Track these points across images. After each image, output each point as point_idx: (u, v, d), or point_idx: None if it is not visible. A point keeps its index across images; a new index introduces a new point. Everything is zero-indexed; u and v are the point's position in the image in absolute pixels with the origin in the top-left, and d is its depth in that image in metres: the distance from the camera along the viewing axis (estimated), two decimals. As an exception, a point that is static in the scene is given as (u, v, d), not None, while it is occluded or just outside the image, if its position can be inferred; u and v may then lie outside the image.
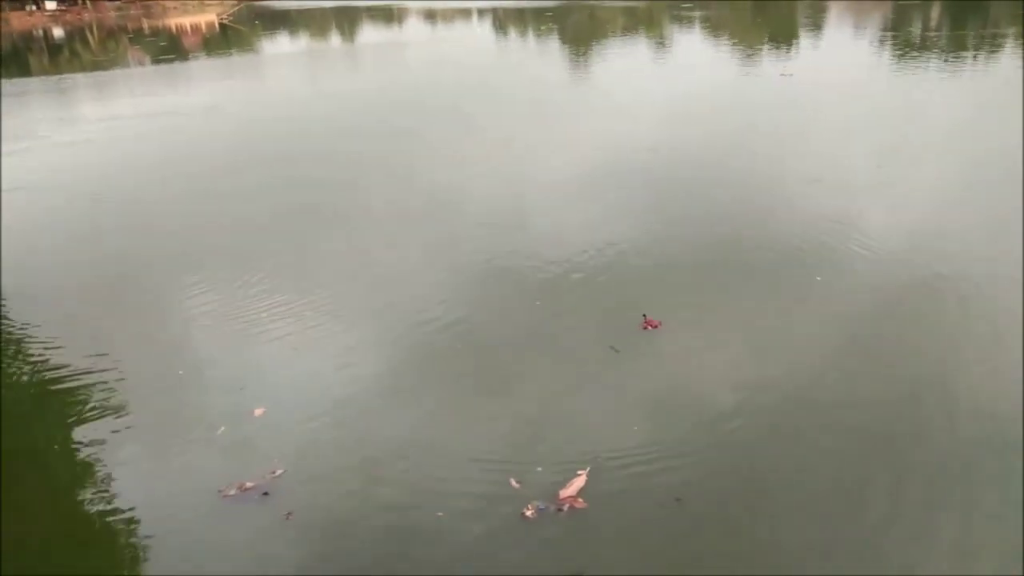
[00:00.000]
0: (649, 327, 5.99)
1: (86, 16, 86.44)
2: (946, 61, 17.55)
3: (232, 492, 4.46)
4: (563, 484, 4.30)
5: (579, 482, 4.31)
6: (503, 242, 7.95)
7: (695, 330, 5.97)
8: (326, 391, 5.45)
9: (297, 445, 4.87)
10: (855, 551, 3.78)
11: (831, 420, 4.77)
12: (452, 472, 4.52)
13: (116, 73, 30.16)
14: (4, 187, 11.12)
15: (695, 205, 8.78)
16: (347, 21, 55.90)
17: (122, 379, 5.80)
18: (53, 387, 5.74)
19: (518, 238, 8.05)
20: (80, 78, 27.79)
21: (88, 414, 5.36)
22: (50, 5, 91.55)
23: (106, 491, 4.62)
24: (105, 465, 4.84)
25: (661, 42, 27.24)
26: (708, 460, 4.48)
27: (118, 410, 5.40)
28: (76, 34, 59.40)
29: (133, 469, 4.79)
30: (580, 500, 4.19)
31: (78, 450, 4.99)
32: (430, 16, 53.66)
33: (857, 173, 9.55)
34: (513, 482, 4.37)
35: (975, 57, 17.98)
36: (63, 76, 28.08)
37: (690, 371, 5.43)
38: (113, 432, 5.16)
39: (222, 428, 5.09)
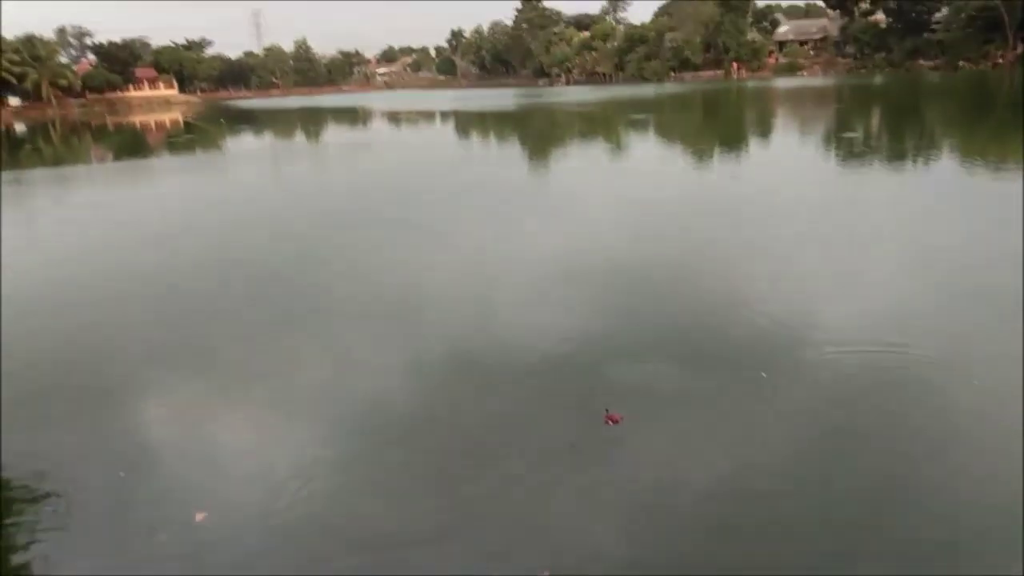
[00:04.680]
0: (611, 422, 5.93)
1: (50, 112, 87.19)
2: (888, 167, 18.42)
3: (170, 605, 4.18)
4: (522, 591, 4.13)
5: (539, 589, 4.14)
6: (463, 339, 7.90)
7: (657, 425, 5.92)
8: (274, 493, 5.22)
9: (242, 551, 4.62)
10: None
11: (797, 516, 4.70)
12: (406, 580, 4.31)
13: (78, 169, 30.16)
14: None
15: (654, 303, 8.88)
16: (312, 121, 57.14)
17: (57, 481, 5.51)
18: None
19: (479, 334, 8.02)
20: (39, 173, 27.70)
21: (15, 519, 5.05)
22: (13, 101, 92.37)
23: (32, 606, 4.30)
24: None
25: (617, 146, 28.24)
26: (673, 562, 4.36)
27: (51, 514, 5.10)
28: (39, 129, 59.64)
29: (63, 582, 4.48)
30: (540, 608, 4.01)
31: (1, 559, 4.66)
32: (394, 118, 55.19)
33: (810, 273, 9.80)
34: (470, 590, 4.18)
35: (915, 163, 18.93)
36: (22, 171, 27.98)
37: (653, 468, 5.34)
38: (42, 539, 4.85)
39: (163, 534, 4.82)
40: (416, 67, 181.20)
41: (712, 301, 8.74)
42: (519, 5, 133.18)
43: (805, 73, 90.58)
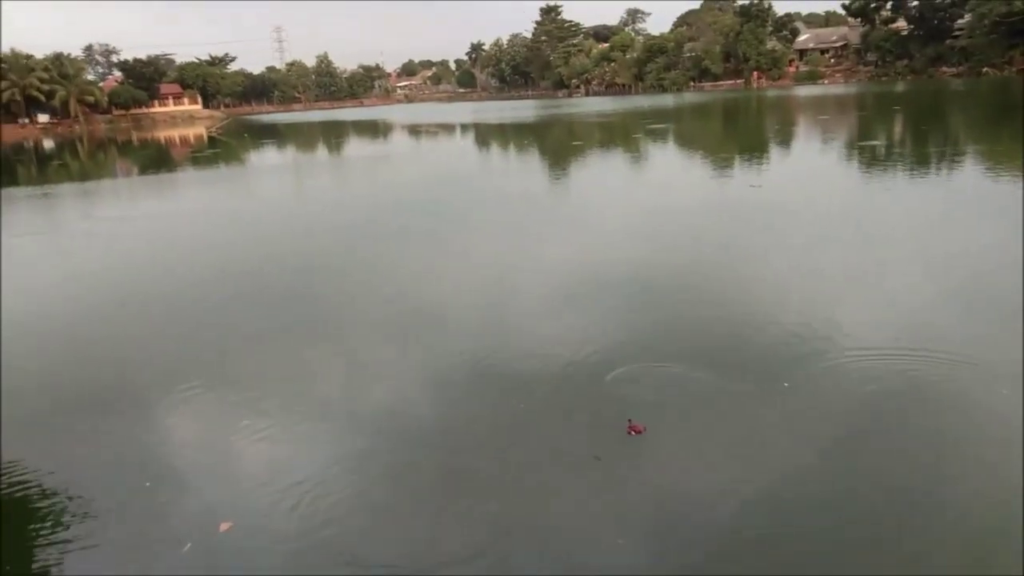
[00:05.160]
0: (634, 432, 5.89)
1: (77, 128, 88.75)
2: (911, 175, 18.20)
3: (195, 614, 4.20)
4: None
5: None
6: (486, 349, 7.90)
7: (679, 436, 5.88)
8: (298, 504, 5.24)
9: (267, 561, 4.64)
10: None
11: (817, 527, 4.64)
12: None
13: (103, 183, 30.62)
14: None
15: (675, 314, 8.83)
16: (334, 135, 57.59)
17: (84, 491, 5.57)
18: (8, 497, 5.49)
19: (501, 345, 8.02)
20: (66, 187, 28.18)
21: (46, 529, 5.11)
22: (42, 118, 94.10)
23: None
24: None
25: (637, 155, 28.17)
26: (691, 569, 4.32)
27: (78, 525, 5.15)
28: (66, 146, 60.66)
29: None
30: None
31: (32, 569, 4.72)
32: (414, 131, 55.48)
33: (828, 280, 9.71)
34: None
35: (939, 170, 18.68)
36: (50, 185, 28.47)
37: (675, 479, 5.31)
38: (72, 548, 4.90)
39: (188, 544, 4.86)
40: (436, 80, 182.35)
41: (732, 309, 8.68)
42: (538, 17, 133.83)
43: (826, 81, 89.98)
